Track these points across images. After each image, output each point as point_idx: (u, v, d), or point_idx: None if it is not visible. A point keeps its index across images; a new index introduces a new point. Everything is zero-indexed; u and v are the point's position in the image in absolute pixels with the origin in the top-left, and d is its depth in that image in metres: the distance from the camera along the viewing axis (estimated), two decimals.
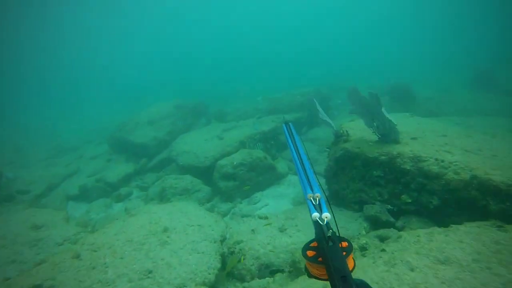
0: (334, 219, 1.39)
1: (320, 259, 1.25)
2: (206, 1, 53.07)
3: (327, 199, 1.53)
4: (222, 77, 31.84)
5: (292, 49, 45.93)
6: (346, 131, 6.08)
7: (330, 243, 1.23)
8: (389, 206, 5.24)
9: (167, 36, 58.89)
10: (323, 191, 1.55)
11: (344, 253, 1.21)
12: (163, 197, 8.39)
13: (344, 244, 1.28)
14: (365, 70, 26.93)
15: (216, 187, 8.48)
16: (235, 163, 8.38)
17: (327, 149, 6.85)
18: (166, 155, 10.92)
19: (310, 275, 1.32)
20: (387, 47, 38.48)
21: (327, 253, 1.19)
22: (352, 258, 1.28)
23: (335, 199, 6.15)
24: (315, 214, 1.36)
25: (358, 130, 6.52)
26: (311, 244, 1.35)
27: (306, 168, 1.72)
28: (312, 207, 1.42)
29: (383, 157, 5.15)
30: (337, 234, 1.29)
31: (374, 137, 5.82)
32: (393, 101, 12.53)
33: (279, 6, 57.43)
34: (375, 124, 5.59)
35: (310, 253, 1.31)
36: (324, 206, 1.44)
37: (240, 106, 15.24)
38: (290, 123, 2.29)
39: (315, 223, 1.37)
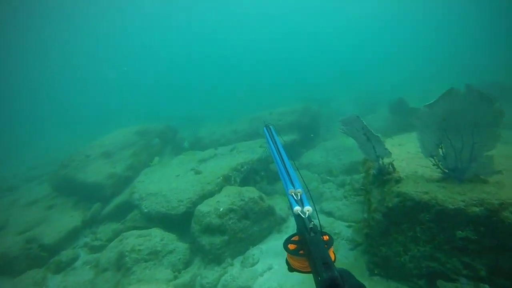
0: (316, 212, 1.36)
1: (301, 251, 1.25)
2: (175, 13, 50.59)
3: (309, 193, 1.55)
4: (191, 100, 29.83)
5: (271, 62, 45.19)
6: (392, 165, 4.11)
7: (312, 234, 1.20)
8: (487, 286, 3.28)
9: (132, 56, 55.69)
10: (306, 185, 1.58)
11: (325, 245, 1.17)
12: (121, 267, 5.87)
13: (325, 237, 1.25)
14: (360, 78, 26.01)
15: (196, 244, 6.16)
16: (221, 209, 6.12)
17: (362, 189, 4.85)
18: (127, 198, 8.40)
19: (292, 269, 1.30)
20: (384, 51, 38.24)
21: (309, 242, 1.16)
22: (333, 252, 1.23)
23: (385, 269, 4.09)
24: (297, 208, 1.36)
25: (397, 160, 4.61)
26: (293, 238, 1.34)
27: (286, 165, 1.71)
28: (293, 201, 1.43)
29: (475, 209, 3.20)
30: (319, 228, 1.24)
31: (431, 172, 3.92)
32: (395, 115, 11.01)
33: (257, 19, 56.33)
34: (441, 150, 3.69)
35: (291, 246, 1.30)
36: (305, 201, 1.44)
37: (215, 129, 13.07)
38: (271, 126, 2.32)
39: (297, 217, 1.36)
